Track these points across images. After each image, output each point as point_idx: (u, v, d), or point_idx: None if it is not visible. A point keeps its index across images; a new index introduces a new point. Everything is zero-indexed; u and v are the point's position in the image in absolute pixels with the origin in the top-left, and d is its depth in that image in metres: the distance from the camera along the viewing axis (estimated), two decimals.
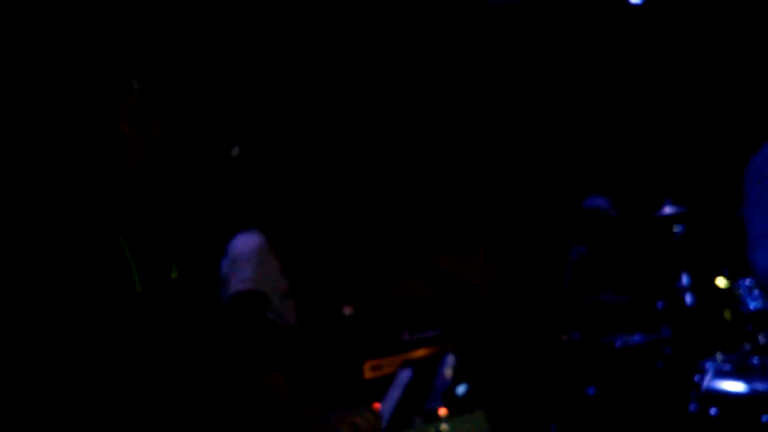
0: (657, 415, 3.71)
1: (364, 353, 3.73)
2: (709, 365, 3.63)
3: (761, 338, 3.64)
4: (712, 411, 3.50)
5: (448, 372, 2.10)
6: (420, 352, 3.86)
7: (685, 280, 3.65)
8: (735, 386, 3.49)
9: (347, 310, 3.85)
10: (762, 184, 2.44)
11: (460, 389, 1.71)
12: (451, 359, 2.30)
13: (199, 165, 2.79)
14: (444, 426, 1.54)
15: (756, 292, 3.65)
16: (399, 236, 4.23)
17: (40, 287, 1.45)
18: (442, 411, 1.58)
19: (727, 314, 3.73)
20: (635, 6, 4.22)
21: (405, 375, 2.43)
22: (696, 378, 3.56)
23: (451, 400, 1.66)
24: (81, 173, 1.61)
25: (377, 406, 2.09)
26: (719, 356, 3.61)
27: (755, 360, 3.57)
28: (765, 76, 4.07)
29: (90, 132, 1.57)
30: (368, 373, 3.75)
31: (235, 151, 2.66)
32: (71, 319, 1.46)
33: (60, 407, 1.44)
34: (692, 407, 3.54)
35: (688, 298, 3.63)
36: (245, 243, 2.96)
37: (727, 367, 3.61)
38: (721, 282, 3.76)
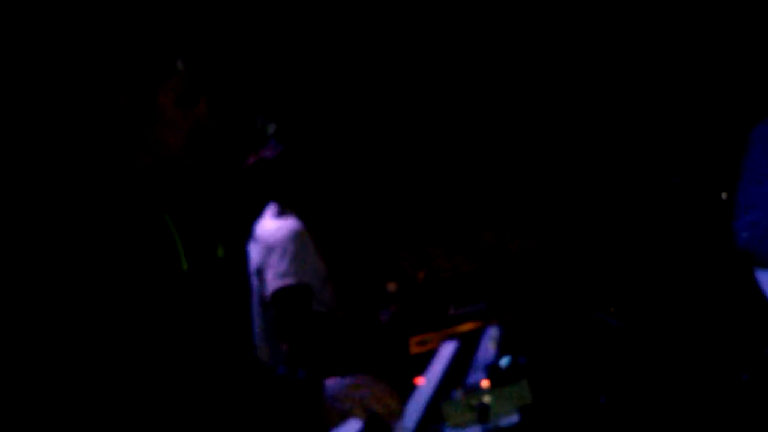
0: (712, 386, 3.64)
1: (410, 328, 3.73)
2: None
3: None
4: None
5: (490, 344, 2.09)
6: (465, 327, 3.85)
7: None
8: None
9: (391, 287, 3.85)
10: (755, 158, 2.41)
11: (504, 361, 1.70)
12: (494, 332, 2.29)
13: (240, 144, 2.78)
14: (486, 398, 1.53)
15: None
16: (442, 212, 4.21)
17: (88, 264, 1.47)
18: (485, 383, 1.57)
19: None
20: None
21: (448, 348, 2.42)
22: (751, 348, 3.48)
23: (494, 373, 1.65)
24: (127, 154, 1.62)
25: (419, 380, 2.09)
26: None
27: None
28: None
29: (135, 113, 1.58)
30: (414, 348, 3.75)
31: (272, 129, 2.64)
32: (119, 296, 1.49)
33: (103, 378, 1.46)
34: (746, 376, 3.47)
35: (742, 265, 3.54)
36: (279, 230, 2.82)
37: None
38: None
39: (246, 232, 2.92)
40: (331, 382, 1.64)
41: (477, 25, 4.27)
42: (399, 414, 1.62)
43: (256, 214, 2.95)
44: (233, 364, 1.67)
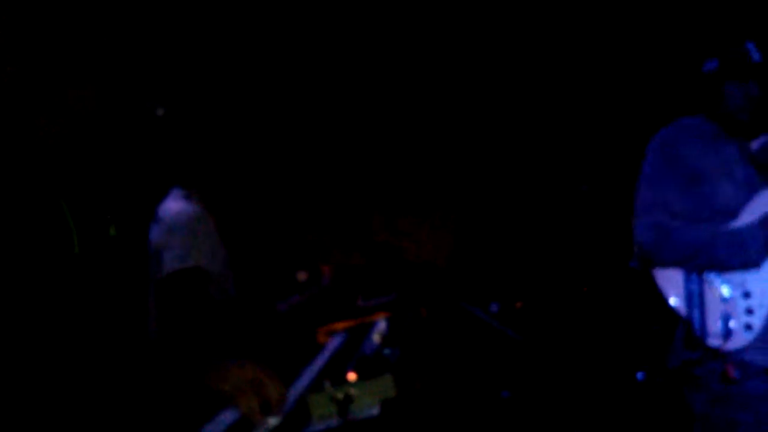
0: (602, 385, 3.75)
1: (318, 319, 3.73)
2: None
3: None
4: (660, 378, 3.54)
5: (376, 338, 2.11)
6: (374, 318, 3.88)
7: None
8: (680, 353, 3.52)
9: (301, 276, 3.84)
10: (654, 163, 2.54)
11: (375, 355, 1.72)
12: (381, 326, 2.31)
13: (138, 126, 2.74)
14: (352, 390, 1.55)
15: None
16: (353, 199, 4.21)
17: None
18: (351, 375, 1.59)
19: None
20: None
21: (335, 342, 2.44)
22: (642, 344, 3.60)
23: (361, 365, 1.67)
24: (22, 130, 1.58)
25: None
26: None
27: None
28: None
29: (28, 98, 1.55)
30: (321, 338, 3.75)
31: (161, 111, 2.60)
32: (8, 284, 1.46)
33: None
34: (640, 375, 3.58)
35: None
36: (179, 211, 2.79)
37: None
38: None
39: (147, 214, 2.88)
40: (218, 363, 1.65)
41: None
42: (281, 401, 1.64)
43: (160, 196, 2.93)
44: (124, 344, 1.66)
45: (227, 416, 1.71)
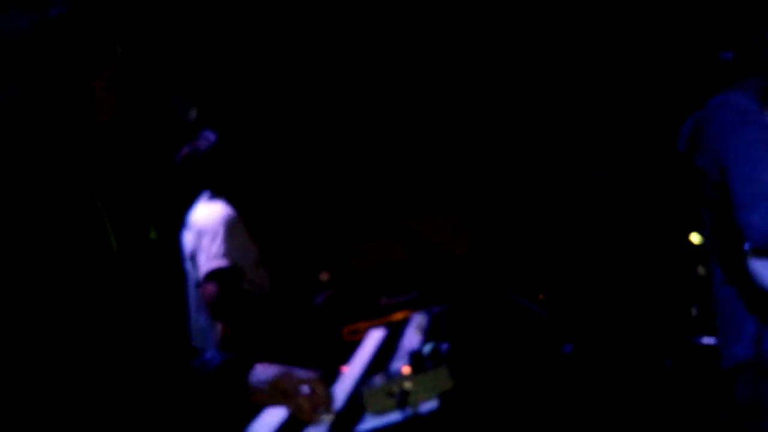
0: (635, 371, 3.74)
1: (343, 317, 3.73)
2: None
3: None
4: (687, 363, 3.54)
5: (416, 332, 2.11)
6: (398, 316, 3.88)
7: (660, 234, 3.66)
8: (707, 339, 3.53)
9: (324, 276, 3.85)
10: (743, 136, 2.11)
11: (427, 348, 1.71)
12: (420, 319, 2.30)
13: (163, 128, 2.74)
14: (407, 384, 1.54)
15: None
16: (371, 197, 4.21)
17: (12, 246, 1.43)
18: (405, 369, 1.58)
19: (702, 270, 3.76)
20: None
21: (375, 336, 2.43)
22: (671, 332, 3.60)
23: (415, 359, 1.66)
24: (56, 137, 1.58)
25: (345, 368, 2.09)
26: (693, 310, 3.65)
27: None
28: None
29: (67, 95, 1.54)
30: (347, 337, 3.76)
31: (194, 114, 2.61)
32: (44, 276, 1.45)
33: (31, 365, 1.42)
34: (669, 362, 3.58)
35: (664, 253, 3.66)
36: (211, 215, 2.91)
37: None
38: (695, 238, 3.78)
39: (179, 220, 2.97)
40: (260, 368, 1.63)
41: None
42: (328, 399, 1.62)
43: (189, 203, 3.02)
44: (164, 347, 1.65)
45: (278, 415, 1.70)
